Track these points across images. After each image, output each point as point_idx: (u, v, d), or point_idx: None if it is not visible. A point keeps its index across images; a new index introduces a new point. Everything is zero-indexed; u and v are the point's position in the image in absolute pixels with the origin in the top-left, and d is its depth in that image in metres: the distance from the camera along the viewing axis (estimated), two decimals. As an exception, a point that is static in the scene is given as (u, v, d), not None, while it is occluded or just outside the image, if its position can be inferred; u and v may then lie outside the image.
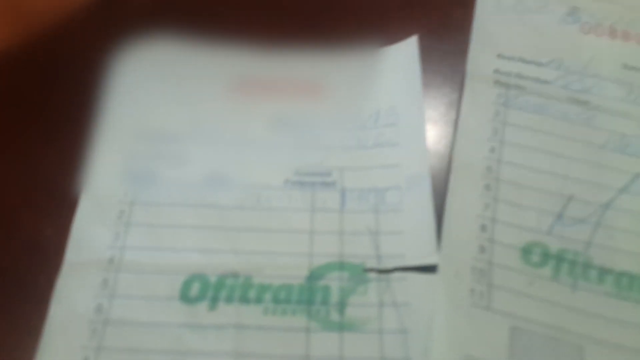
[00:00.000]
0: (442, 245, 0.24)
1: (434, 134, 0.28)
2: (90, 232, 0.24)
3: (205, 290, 0.23)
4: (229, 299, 0.23)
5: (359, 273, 0.23)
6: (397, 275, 0.23)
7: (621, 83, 0.29)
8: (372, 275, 0.23)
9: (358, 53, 0.30)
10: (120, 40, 0.30)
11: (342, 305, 0.23)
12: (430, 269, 0.24)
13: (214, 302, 0.23)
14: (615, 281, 0.23)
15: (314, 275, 0.23)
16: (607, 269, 0.24)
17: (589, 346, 0.22)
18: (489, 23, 0.30)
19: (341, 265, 0.24)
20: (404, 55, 0.29)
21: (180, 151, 0.27)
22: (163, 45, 0.30)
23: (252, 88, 0.29)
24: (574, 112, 0.28)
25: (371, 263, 0.24)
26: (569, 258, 0.24)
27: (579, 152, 0.27)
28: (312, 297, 0.23)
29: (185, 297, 0.23)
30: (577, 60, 0.29)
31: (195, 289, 0.23)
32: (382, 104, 0.28)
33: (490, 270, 0.23)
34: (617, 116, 0.28)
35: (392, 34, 0.30)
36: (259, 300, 0.23)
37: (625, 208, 0.25)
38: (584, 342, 0.22)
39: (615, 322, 0.23)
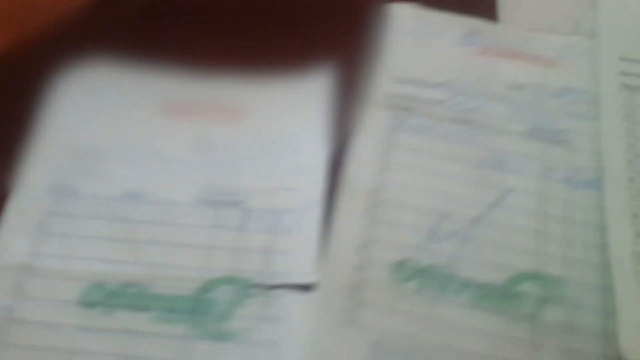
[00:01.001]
0: (323, 264, 0.26)
1: (335, 159, 0.29)
2: (11, 238, 0.27)
3: (103, 297, 0.25)
4: (124, 306, 0.25)
5: (246, 288, 0.25)
6: (279, 291, 0.25)
7: (506, 101, 0.31)
8: (258, 290, 0.25)
9: (280, 79, 0.32)
10: (67, 58, 0.32)
11: (224, 317, 0.25)
12: (310, 287, 0.25)
13: (109, 308, 0.25)
14: (474, 292, 0.25)
15: (204, 288, 0.26)
16: (469, 281, 0.25)
17: (444, 355, 0.24)
18: (390, 47, 0.32)
19: (231, 280, 0.26)
20: (315, 84, 0.31)
21: (103, 168, 0.29)
22: (104, 66, 0.32)
23: (181, 110, 0.31)
24: (458, 131, 0.30)
25: (259, 279, 0.26)
26: (435, 272, 0.26)
27: (457, 170, 0.29)
28: (199, 308, 0.25)
29: (84, 302, 0.25)
30: (467, 81, 0.31)
31: (94, 295, 0.25)
32: (291, 130, 0.30)
33: (363, 287, 0.25)
34: (497, 134, 0.30)
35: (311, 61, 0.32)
36: (150, 308, 0.25)
37: (494, 222, 0.27)
38: (440, 351, 0.24)
39: (470, 331, 0.24)
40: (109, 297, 0.25)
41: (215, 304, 0.25)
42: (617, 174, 0.29)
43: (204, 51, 0.33)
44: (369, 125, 0.30)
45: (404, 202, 0.28)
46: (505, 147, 0.29)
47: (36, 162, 0.29)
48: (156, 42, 0.33)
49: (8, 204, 0.28)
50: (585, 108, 0.31)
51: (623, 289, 0.25)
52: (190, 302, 0.25)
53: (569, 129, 0.30)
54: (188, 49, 0.33)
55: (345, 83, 0.31)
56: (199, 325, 0.25)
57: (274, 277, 0.26)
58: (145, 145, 0.30)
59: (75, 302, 0.25)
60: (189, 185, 0.28)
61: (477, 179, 0.28)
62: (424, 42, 0.32)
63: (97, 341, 0.24)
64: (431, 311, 0.25)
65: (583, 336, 0.25)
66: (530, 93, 0.31)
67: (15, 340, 0.24)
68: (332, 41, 0.33)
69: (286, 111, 0.31)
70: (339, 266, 0.26)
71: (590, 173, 0.29)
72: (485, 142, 0.29)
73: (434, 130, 0.30)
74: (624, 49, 0.33)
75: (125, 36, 0.33)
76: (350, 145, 0.29)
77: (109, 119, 0.31)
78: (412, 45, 0.32)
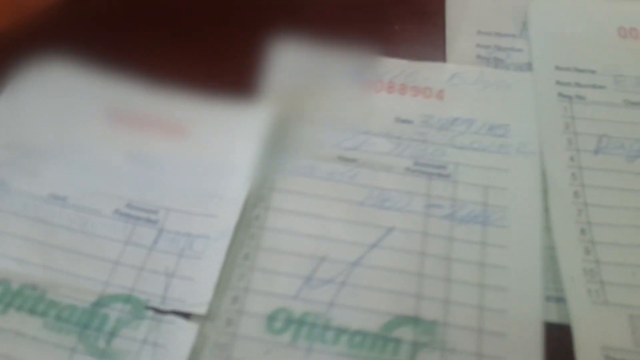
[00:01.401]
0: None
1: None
2: None
3: (2, 295, 0.25)
4: (20, 308, 0.25)
5: (140, 309, 0.25)
6: (169, 317, 0.25)
7: (390, 137, 0.30)
8: (150, 313, 0.25)
9: (226, 101, 0.32)
10: (24, 56, 0.32)
11: (111, 335, 0.24)
12: (198, 317, 0.25)
13: (6, 307, 0.25)
14: (349, 340, 0.24)
15: (100, 303, 0.25)
16: (344, 329, 0.24)
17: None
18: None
19: (127, 299, 0.25)
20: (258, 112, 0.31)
21: (37, 167, 0.29)
22: (58, 67, 0.32)
23: (124, 119, 0.31)
24: (341, 170, 0.29)
25: (154, 302, 0.25)
26: (310, 321, 0.25)
27: (339, 212, 0.28)
28: (91, 322, 0.25)
29: (-17, 298, 0.25)
30: (354, 117, 0.30)
31: (-5, 292, 0.26)
32: (225, 157, 0.29)
33: (233, 343, 0.24)
34: (382, 171, 0.29)
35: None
36: (43, 314, 0.25)
37: (373, 264, 0.26)
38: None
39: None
40: (8, 296, 0.25)
41: (107, 320, 0.24)
42: (561, 189, 0.28)
43: (159, 61, 0.33)
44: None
45: (282, 249, 0.27)
46: (390, 184, 0.29)
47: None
48: (113, 47, 0.33)
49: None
50: (470, 139, 0.30)
51: (577, 308, 0.25)
52: (83, 315, 0.25)
53: (453, 161, 0.29)
54: (144, 57, 0.33)
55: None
56: (86, 339, 0.24)
57: (169, 303, 0.25)
58: (81, 150, 0.30)
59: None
60: (113, 196, 0.28)
61: (358, 220, 0.27)
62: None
63: (-13, 339, 0.23)
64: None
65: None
66: (417, 126, 0.30)
67: None
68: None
69: (223, 136, 0.30)
70: (213, 321, 0.25)
71: (474, 207, 0.28)
72: (370, 180, 0.29)
73: (317, 170, 0.29)
74: (559, 57, 0.32)
75: (84, 39, 0.33)
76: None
77: (52, 120, 0.31)
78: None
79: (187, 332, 0.24)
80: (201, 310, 0.25)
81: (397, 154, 0.29)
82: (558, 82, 0.31)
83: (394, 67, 0.32)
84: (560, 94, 0.31)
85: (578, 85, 0.31)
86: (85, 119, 0.31)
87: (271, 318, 0.25)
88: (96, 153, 0.30)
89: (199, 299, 0.25)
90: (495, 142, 0.30)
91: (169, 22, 0.35)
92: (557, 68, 0.32)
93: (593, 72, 0.31)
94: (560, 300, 0.25)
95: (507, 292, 0.25)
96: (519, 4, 0.35)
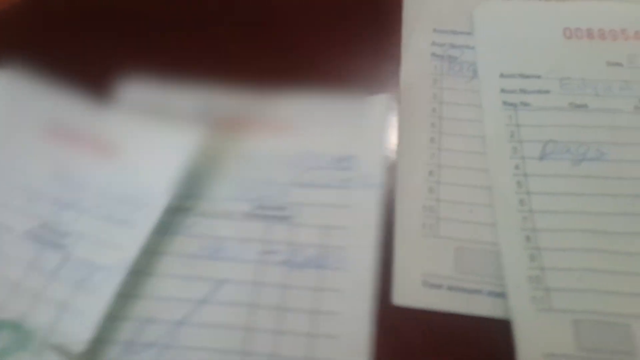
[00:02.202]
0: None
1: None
2: None
3: None
4: None
5: (26, 339, 0.25)
6: (49, 353, 0.24)
7: (233, 179, 0.29)
8: (34, 345, 0.24)
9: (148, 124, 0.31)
10: None
11: None
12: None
13: None
14: None
15: None
16: None
17: None
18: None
19: (15, 326, 0.25)
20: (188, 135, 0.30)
21: None
22: (12, 76, 0.32)
23: (60, 135, 0.31)
24: (177, 221, 0.28)
25: (42, 333, 0.24)
26: None
27: (167, 266, 0.27)
28: None
29: None
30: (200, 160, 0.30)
31: None
32: (145, 182, 0.29)
33: None
34: (219, 218, 0.28)
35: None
36: None
37: (200, 322, 0.25)
38: None
39: None
40: None
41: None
42: (507, 198, 0.28)
43: (108, 74, 0.33)
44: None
45: (111, 313, 0.25)
46: (226, 232, 0.28)
47: None
48: (64, 59, 0.33)
49: None
50: (315, 175, 0.29)
51: (520, 315, 0.25)
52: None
53: (295, 201, 0.28)
54: (95, 69, 0.33)
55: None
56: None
57: (54, 336, 0.24)
58: (11, 165, 0.29)
59: None
60: (28, 215, 0.28)
61: (189, 274, 0.27)
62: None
63: None
64: None
65: None
66: (262, 164, 0.30)
67: None
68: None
69: (151, 161, 0.29)
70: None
71: (312, 250, 0.27)
72: (205, 230, 0.28)
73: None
74: (504, 64, 0.32)
75: (40, 47, 0.34)
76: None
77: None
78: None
79: None
80: (78, 348, 0.24)
81: (239, 198, 0.29)
82: (503, 90, 0.31)
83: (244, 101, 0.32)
84: (505, 103, 0.31)
85: (523, 91, 0.31)
86: (21, 132, 0.30)
87: None
88: (24, 169, 0.29)
89: (79, 337, 0.24)
90: (340, 176, 0.29)
91: (118, 26, 0.36)
92: (502, 76, 0.32)
93: (538, 77, 0.32)
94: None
95: (337, 340, 0.25)
96: (477, 1, 0.35)
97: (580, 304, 0.26)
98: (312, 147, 0.30)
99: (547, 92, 0.31)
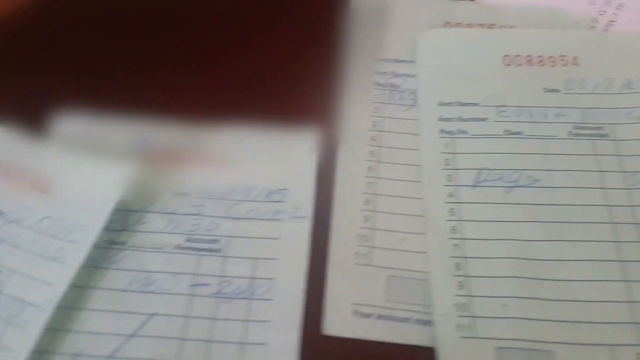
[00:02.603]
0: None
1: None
2: None
3: None
4: None
5: None
6: None
7: (164, 212, 0.30)
8: None
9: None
10: None
11: None
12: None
13: None
14: None
15: None
16: None
17: None
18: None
19: None
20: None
21: None
22: None
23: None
24: (108, 255, 0.28)
25: None
26: None
27: (99, 301, 0.27)
28: None
29: None
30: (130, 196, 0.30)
31: None
32: (73, 218, 0.29)
33: None
34: (150, 251, 0.28)
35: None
36: None
37: (128, 356, 0.26)
38: None
39: None
40: None
41: None
42: (439, 225, 0.29)
43: (42, 107, 0.33)
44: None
45: (39, 347, 0.25)
46: (157, 266, 0.28)
47: None
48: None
49: None
50: (247, 207, 0.30)
51: (445, 343, 0.26)
52: None
53: (226, 234, 0.29)
54: (29, 102, 0.33)
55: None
56: None
57: None
58: None
59: None
60: None
61: (118, 308, 0.27)
62: None
63: None
64: None
65: None
66: (194, 198, 0.30)
67: None
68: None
69: (84, 195, 0.29)
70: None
71: (241, 282, 0.28)
72: (137, 264, 0.28)
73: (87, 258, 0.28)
74: (443, 92, 0.33)
75: None
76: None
77: None
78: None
79: None
80: None
81: (170, 231, 0.29)
82: (440, 119, 0.32)
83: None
84: (442, 131, 0.32)
85: (460, 119, 0.32)
86: None
87: None
88: None
89: None
90: (272, 208, 0.30)
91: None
92: (441, 104, 0.33)
93: (476, 104, 0.33)
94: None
95: None
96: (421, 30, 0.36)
97: (505, 332, 0.26)
98: (245, 180, 0.31)
99: (484, 119, 0.32)
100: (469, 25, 0.36)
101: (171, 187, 0.31)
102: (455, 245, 0.29)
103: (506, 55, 0.34)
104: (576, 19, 0.36)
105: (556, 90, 0.33)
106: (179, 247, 0.29)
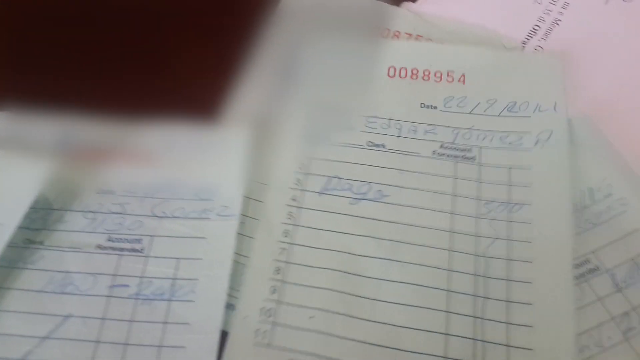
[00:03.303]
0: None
1: None
2: None
3: None
4: None
5: None
6: None
7: (86, 211, 0.29)
8: None
9: None
10: None
11: None
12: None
13: None
14: None
15: None
16: None
17: None
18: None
19: None
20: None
21: None
22: None
23: None
24: (24, 255, 0.27)
25: None
26: None
27: (12, 303, 0.26)
28: None
29: None
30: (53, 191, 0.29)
31: None
32: None
33: None
34: (69, 251, 0.27)
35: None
36: None
37: (44, 359, 0.25)
38: None
39: None
40: None
41: None
42: (272, 226, 0.28)
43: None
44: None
45: None
46: (75, 266, 0.27)
47: None
48: None
49: None
50: (174, 206, 0.28)
51: (237, 348, 0.25)
52: None
53: (148, 234, 0.28)
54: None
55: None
56: None
57: None
58: None
59: None
60: None
61: (34, 309, 0.26)
62: None
63: None
64: None
65: None
66: (119, 196, 0.29)
67: None
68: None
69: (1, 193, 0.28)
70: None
71: (162, 282, 0.26)
72: (54, 264, 0.27)
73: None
74: (318, 96, 0.32)
75: None
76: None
77: None
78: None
79: None
80: None
81: (92, 230, 0.28)
82: (308, 121, 0.31)
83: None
84: (306, 134, 0.31)
85: (328, 125, 0.31)
86: None
87: None
88: None
89: None
90: (199, 206, 0.29)
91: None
92: (314, 107, 0.31)
93: (347, 112, 0.31)
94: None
95: None
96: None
97: (302, 344, 0.25)
98: (172, 178, 0.30)
99: (350, 128, 0.31)
100: (401, 34, 0.34)
101: (95, 185, 0.30)
102: (283, 249, 0.28)
103: (391, 67, 0.33)
104: (503, 43, 0.34)
105: (433, 107, 0.31)
106: (100, 246, 0.28)
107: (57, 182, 0.29)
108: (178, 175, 0.30)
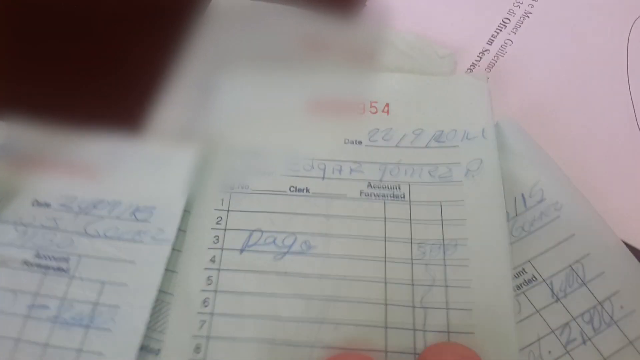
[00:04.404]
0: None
1: None
2: None
3: None
4: None
5: None
6: None
7: (18, 224, 0.27)
8: None
9: None
10: None
11: None
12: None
13: None
14: None
15: None
16: None
17: None
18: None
19: None
20: None
21: None
22: None
23: None
24: None
25: None
26: None
27: None
28: None
29: None
30: None
31: None
32: None
33: None
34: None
35: None
36: None
37: None
38: None
39: None
40: None
41: None
42: (189, 296, 0.25)
43: None
44: None
45: None
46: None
47: None
48: None
49: None
50: (108, 225, 0.27)
51: None
52: None
53: (78, 253, 0.26)
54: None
55: None
56: None
57: None
58: None
59: None
60: None
61: None
62: None
63: None
64: None
65: None
66: (53, 210, 0.27)
67: None
68: None
69: None
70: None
71: (83, 307, 0.25)
72: None
73: None
74: (233, 140, 0.29)
75: None
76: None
77: None
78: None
79: None
80: None
81: (20, 245, 0.27)
82: (223, 169, 0.28)
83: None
84: (222, 184, 0.28)
85: (246, 171, 0.28)
86: None
87: None
88: None
89: None
90: (134, 227, 0.27)
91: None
92: (229, 152, 0.28)
93: (266, 155, 0.29)
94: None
95: None
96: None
97: None
98: (110, 194, 0.28)
99: (270, 173, 0.28)
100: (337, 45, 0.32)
101: (30, 196, 0.28)
102: (202, 321, 0.25)
103: (310, 101, 0.30)
104: (436, 50, 0.32)
105: (358, 142, 0.29)
106: (26, 262, 0.26)
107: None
108: (117, 191, 0.28)
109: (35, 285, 0.26)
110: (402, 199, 0.27)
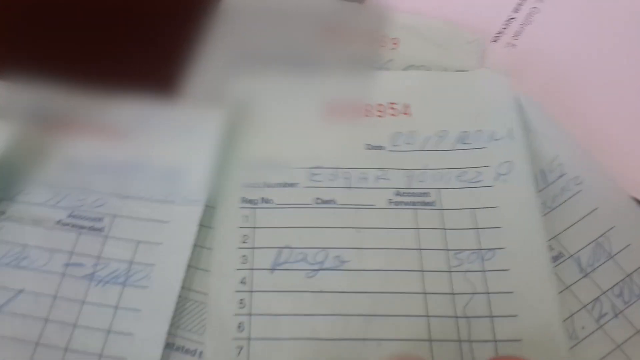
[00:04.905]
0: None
1: None
2: None
3: None
4: None
5: None
6: None
7: (50, 184, 0.27)
8: None
9: None
10: None
11: None
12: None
13: None
14: None
15: None
16: None
17: None
18: None
19: None
20: None
21: None
22: None
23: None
24: None
25: None
26: None
27: None
28: None
29: None
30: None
31: None
32: None
33: None
34: (28, 224, 0.26)
35: None
36: None
37: None
38: None
39: None
40: None
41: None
42: (223, 323, 0.24)
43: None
44: None
45: None
46: (34, 241, 0.26)
47: None
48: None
49: None
50: (139, 186, 0.27)
51: None
52: None
53: (111, 213, 0.26)
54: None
55: None
56: None
57: None
58: None
59: None
60: None
61: None
62: None
63: None
64: None
65: None
66: (85, 173, 0.27)
67: None
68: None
69: None
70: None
71: (118, 265, 0.25)
72: (10, 236, 0.26)
73: None
74: (252, 149, 0.28)
75: None
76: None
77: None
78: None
79: None
80: None
81: (54, 205, 0.27)
82: (244, 185, 0.27)
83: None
84: (243, 200, 0.27)
85: (267, 185, 0.27)
86: None
87: None
88: None
89: None
90: (165, 189, 0.27)
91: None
92: (246, 166, 0.27)
93: (286, 166, 0.27)
94: None
95: None
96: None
97: None
98: (140, 156, 0.28)
99: (293, 184, 0.27)
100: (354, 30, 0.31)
101: (62, 158, 0.28)
102: (240, 347, 0.24)
103: (328, 104, 0.29)
104: (469, 39, 0.31)
105: (380, 148, 0.28)
106: (60, 222, 0.27)
107: (23, 149, 0.28)
108: (147, 153, 0.28)
109: (71, 244, 0.26)
110: (432, 206, 0.27)
